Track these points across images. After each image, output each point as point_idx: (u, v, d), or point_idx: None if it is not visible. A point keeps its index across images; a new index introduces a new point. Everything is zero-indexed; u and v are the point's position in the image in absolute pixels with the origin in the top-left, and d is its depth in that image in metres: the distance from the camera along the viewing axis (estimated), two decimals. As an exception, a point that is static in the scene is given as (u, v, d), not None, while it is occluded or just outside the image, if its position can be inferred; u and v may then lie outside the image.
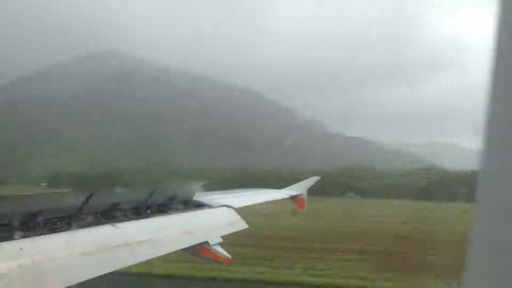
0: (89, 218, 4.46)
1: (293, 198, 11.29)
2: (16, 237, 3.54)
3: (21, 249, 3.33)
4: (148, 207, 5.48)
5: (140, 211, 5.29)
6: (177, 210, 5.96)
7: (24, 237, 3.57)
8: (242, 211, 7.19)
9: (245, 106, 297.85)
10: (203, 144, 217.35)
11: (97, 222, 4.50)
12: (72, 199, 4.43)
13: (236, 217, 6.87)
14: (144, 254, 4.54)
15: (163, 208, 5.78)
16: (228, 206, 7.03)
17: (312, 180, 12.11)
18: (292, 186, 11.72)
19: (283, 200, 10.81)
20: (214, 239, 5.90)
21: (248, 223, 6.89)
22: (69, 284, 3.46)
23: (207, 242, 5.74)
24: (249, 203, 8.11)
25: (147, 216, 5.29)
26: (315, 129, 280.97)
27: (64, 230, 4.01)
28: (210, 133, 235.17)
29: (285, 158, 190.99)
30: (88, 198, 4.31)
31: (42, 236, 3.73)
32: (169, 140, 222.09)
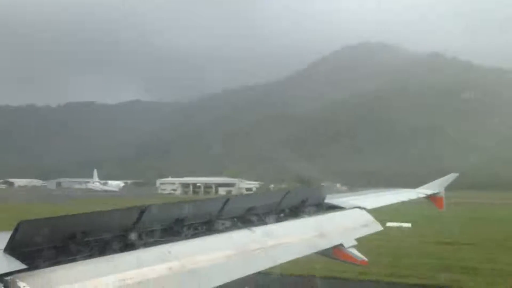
0: (227, 223, 4.71)
1: (429, 197, 10.51)
2: (165, 241, 3.87)
3: (169, 252, 3.63)
4: (281, 211, 5.62)
5: (273, 214, 5.43)
6: (309, 213, 6.00)
7: (172, 241, 3.89)
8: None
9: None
10: None
11: (234, 226, 4.73)
12: (212, 205, 4.71)
13: (370, 218, 6.66)
14: (279, 257, 4.63)
15: (295, 211, 5.87)
16: (361, 208, 6.84)
17: (451, 177, 11.10)
18: (428, 185, 10.92)
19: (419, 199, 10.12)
20: (348, 241, 5.78)
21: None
22: (214, 286, 3.66)
23: (341, 245, 5.64)
24: (383, 204, 7.81)
25: (280, 219, 5.41)
26: None
27: (205, 235, 4.29)
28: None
29: None
30: (225, 204, 4.56)
31: (187, 240, 4.04)
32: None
